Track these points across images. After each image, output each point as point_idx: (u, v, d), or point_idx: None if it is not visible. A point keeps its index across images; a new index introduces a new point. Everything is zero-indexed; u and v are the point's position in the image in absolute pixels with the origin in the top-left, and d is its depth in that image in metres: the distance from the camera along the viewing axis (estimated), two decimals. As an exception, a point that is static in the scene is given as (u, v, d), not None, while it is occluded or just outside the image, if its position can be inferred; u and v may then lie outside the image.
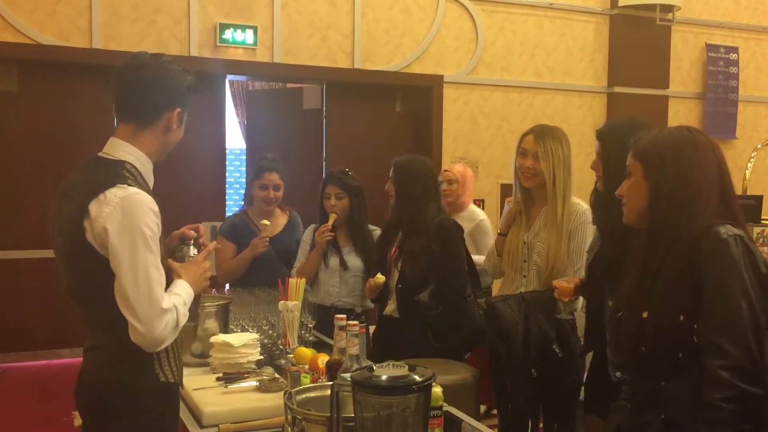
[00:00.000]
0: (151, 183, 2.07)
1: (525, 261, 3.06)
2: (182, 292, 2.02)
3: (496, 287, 3.38)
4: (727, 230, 1.79)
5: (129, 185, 1.92)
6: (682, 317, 1.79)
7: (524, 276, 3.06)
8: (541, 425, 3.11)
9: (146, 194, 1.94)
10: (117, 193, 1.89)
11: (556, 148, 2.99)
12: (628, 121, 2.55)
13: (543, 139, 3.01)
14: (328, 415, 1.75)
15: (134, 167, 2.01)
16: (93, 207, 1.89)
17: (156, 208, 1.95)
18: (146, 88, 2.02)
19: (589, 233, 2.98)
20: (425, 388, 1.65)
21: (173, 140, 2.11)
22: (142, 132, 2.02)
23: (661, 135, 1.93)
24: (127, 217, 1.87)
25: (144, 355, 1.95)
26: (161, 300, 1.90)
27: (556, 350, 2.86)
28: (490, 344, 3.16)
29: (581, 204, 3.04)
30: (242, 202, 4.28)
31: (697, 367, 1.76)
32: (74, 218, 1.92)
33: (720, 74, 7.68)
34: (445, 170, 4.65)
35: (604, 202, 2.51)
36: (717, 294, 1.75)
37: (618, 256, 2.20)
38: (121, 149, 2.02)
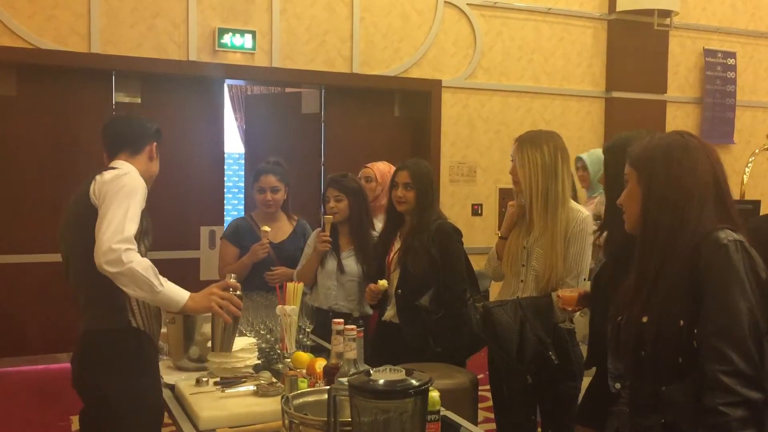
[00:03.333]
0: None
1: (523, 265, 3.05)
2: (166, 282, 2.33)
3: (494, 291, 3.37)
4: (727, 235, 1.78)
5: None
6: (681, 322, 1.79)
7: (522, 281, 3.05)
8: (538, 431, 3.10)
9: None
10: (117, 171, 2.43)
11: (534, 155, 2.93)
12: (633, 134, 2.53)
13: (522, 146, 2.98)
14: (326, 419, 1.75)
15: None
16: (98, 177, 2.41)
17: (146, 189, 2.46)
18: (131, 126, 2.64)
19: (589, 241, 2.97)
20: (422, 392, 1.64)
21: (153, 171, 2.65)
22: (134, 157, 2.58)
23: (652, 140, 1.94)
24: (123, 181, 2.37)
25: (118, 305, 2.41)
26: (128, 232, 2.28)
27: (552, 357, 2.85)
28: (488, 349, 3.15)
29: (582, 211, 3.00)
30: (241, 207, 4.27)
31: (698, 372, 1.76)
32: (82, 193, 2.41)
33: (718, 79, 7.70)
34: (366, 167, 4.17)
35: (609, 215, 2.50)
36: (717, 299, 1.75)
37: (621, 269, 2.19)
38: (122, 163, 2.54)
